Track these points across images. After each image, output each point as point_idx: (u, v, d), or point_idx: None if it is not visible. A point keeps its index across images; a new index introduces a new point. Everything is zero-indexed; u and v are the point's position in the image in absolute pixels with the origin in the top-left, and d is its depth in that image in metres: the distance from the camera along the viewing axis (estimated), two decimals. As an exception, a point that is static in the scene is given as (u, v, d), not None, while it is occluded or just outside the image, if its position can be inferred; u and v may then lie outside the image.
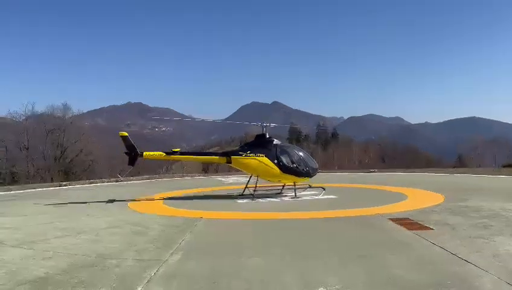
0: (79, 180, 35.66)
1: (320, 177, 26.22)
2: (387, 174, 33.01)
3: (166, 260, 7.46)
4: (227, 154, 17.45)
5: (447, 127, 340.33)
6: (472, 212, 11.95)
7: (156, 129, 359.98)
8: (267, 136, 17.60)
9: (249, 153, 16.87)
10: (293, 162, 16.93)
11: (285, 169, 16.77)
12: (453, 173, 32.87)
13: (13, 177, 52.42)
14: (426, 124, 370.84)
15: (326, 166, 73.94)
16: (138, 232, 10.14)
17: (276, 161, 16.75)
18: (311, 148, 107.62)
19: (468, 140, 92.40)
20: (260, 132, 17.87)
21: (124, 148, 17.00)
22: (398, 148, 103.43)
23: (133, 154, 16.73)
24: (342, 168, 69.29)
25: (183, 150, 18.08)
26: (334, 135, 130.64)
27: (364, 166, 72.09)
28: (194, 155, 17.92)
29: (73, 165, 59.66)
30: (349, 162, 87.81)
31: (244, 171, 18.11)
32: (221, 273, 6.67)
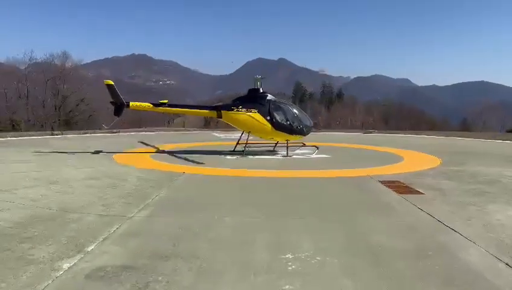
0: (80, 130, 35.20)
1: (319, 136, 25.66)
2: (388, 135, 32.29)
3: (132, 216, 6.97)
4: (217, 108, 16.71)
5: (454, 90, 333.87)
6: (468, 177, 11.36)
7: (160, 82, 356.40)
8: (261, 91, 16.75)
9: (241, 108, 16.11)
10: (286, 119, 16.19)
11: (277, 126, 16.07)
12: (456, 136, 32.08)
13: (13, 126, 52.02)
14: (433, 87, 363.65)
15: (329, 126, 73.35)
16: (113, 185, 9.65)
17: (268, 117, 16.02)
18: (315, 108, 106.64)
19: (475, 104, 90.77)
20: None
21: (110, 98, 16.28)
22: (403, 110, 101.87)
23: (119, 104, 16.04)
24: (345, 128, 68.49)
25: (175, 102, 17.41)
26: (339, 95, 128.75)
27: (367, 127, 71.20)
28: (182, 108, 17.18)
29: (73, 114, 59.21)
30: (352, 123, 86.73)
31: (235, 127, 17.46)
32: (187, 231, 6.20)
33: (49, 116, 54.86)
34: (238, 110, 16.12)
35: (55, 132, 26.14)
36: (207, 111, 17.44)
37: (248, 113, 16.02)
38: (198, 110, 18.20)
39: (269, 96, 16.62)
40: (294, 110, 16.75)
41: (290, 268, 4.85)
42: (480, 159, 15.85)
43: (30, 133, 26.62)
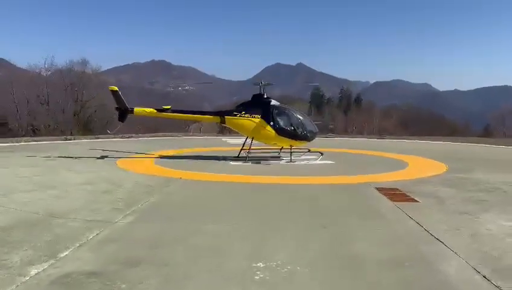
0: (99, 134, 35.71)
1: (330, 142, 25.47)
2: (401, 141, 31.71)
3: (116, 222, 7.01)
4: (221, 114, 16.75)
5: (477, 95, 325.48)
6: (471, 185, 11.05)
7: (179, 88, 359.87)
8: (265, 96, 16.72)
9: (244, 114, 16.11)
10: (290, 125, 16.10)
11: (281, 131, 15.99)
12: (474, 142, 31.27)
13: (33, 131, 53.27)
14: (455, 92, 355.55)
15: (346, 131, 72.69)
16: (107, 191, 9.74)
17: (272, 123, 15.96)
18: (333, 113, 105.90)
19: (499, 109, 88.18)
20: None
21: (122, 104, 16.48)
22: (422, 115, 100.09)
23: (123, 110, 16.27)
24: (361, 133, 67.81)
25: (177, 108, 17.57)
26: (358, 100, 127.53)
27: (384, 132, 70.27)
28: (186, 113, 17.25)
29: (92, 120, 60.24)
30: (369, 128, 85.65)
31: (239, 132, 17.48)
32: (166, 239, 6.20)
33: (68, 122, 55.99)
34: (242, 116, 16.12)
35: (68, 137, 26.66)
36: (211, 117, 17.50)
37: (251, 119, 16.01)
38: (201, 116, 18.18)
39: (273, 102, 16.57)
40: (298, 116, 16.64)
41: (257, 277, 4.77)
42: (490, 166, 15.40)
43: (43, 138, 27.28)
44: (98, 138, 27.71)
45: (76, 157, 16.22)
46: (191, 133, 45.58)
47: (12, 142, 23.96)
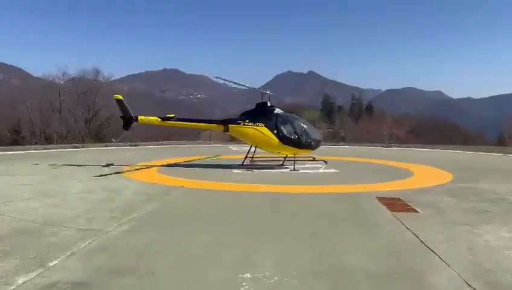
0: (108, 143, 36.12)
1: (337, 150, 25.32)
2: (411, 149, 31.35)
3: (110, 231, 7.02)
4: (224, 122, 16.80)
5: (491, 103, 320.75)
6: (474, 195, 10.83)
7: (191, 96, 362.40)
8: (269, 105, 16.72)
9: (248, 122, 16.13)
10: (293, 133, 16.04)
11: (284, 140, 15.94)
12: (485, 151, 30.70)
13: (46, 139, 54.01)
14: (469, 100, 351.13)
15: (356, 140, 72.15)
16: (106, 199, 9.79)
17: (275, 131, 15.93)
18: (344, 121, 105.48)
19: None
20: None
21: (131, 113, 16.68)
22: (435, 123, 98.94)
23: (127, 119, 16.44)
24: (372, 141, 67.13)
25: (184, 116, 17.66)
26: (369, 108, 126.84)
27: (397, 140, 69.53)
28: (189, 122, 17.34)
29: (103, 128, 60.88)
30: (380, 136, 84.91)
31: (242, 141, 17.51)
32: (158, 248, 6.17)
33: (80, 130, 56.69)
34: (245, 124, 16.14)
35: (77, 145, 26.97)
36: (214, 125, 17.54)
37: (255, 127, 16.01)
38: (205, 124, 18.23)
39: (276, 110, 16.58)
40: (302, 124, 16.57)
41: (242, 288, 4.72)
42: (498, 175, 15.13)
43: (52, 146, 27.61)
44: (106, 146, 27.98)
45: (81, 166, 16.38)
46: (199, 141, 45.72)
47: (23, 150, 24.34)
